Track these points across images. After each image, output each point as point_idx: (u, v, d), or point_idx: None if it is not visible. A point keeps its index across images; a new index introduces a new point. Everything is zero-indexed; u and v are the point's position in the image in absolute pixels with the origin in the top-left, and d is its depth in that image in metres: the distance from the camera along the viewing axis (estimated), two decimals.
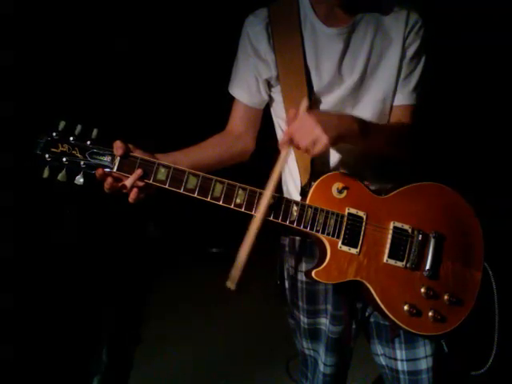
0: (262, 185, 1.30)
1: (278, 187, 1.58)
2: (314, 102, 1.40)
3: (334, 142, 1.22)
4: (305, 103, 1.27)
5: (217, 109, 1.92)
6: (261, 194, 1.28)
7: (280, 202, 1.30)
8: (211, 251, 4.44)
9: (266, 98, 1.51)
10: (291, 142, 1.24)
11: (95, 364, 2.65)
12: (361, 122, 1.28)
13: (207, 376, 2.78)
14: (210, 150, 1.51)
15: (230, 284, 1.28)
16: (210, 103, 3.20)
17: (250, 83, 1.48)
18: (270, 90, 1.50)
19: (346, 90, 1.41)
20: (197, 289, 3.73)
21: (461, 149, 3.38)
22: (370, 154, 1.45)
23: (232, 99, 1.55)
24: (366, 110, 1.43)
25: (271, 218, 1.29)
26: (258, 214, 1.26)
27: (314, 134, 1.19)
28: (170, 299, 3.59)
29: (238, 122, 1.55)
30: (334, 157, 1.45)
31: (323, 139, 1.19)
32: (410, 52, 1.42)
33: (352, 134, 1.26)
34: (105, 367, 2.67)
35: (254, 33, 1.43)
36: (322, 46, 1.39)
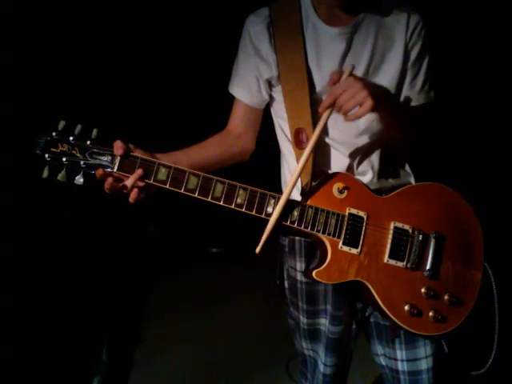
0: (262, 185, 1.30)
1: (278, 187, 1.58)
2: (315, 102, 1.40)
3: (377, 108, 1.23)
4: (350, 67, 1.26)
5: (217, 108, 1.92)
6: (262, 193, 1.28)
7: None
8: (211, 251, 4.44)
9: (266, 97, 1.51)
10: (334, 104, 1.25)
11: (95, 364, 2.65)
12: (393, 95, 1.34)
13: (207, 376, 2.78)
14: (211, 149, 1.51)
15: (258, 249, 1.26)
16: (210, 102, 3.20)
17: (250, 83, 1.48)
18: (270, 90, 1.49)
19: None
20: (197, 289, 3.73)
21: (461, 149, 3.38)
22: (373, 153, 1.45)
23: (232, 98, 1.54)
24: None
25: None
26: (298, 168, 1.28)
27: (360, 97, 1.21)
28: (170, 299, 3.59)
29: (238, 121, 1.55)
30: (335, 157, 1.45)
31: (369, 102, 1.20)
32: (414, 54, 1.42)
33: (387, 104, 1.29)
34: (105, 367, 2.67)
35: (255, 32, 1.42)
36: (324, 46, 1.39)
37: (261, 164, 2.49)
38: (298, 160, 1.43)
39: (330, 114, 1.27)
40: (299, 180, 1.42)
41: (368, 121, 1.43)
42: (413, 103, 1.48)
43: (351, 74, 1.26)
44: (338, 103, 1.24)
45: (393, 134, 1.45)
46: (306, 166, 1.40)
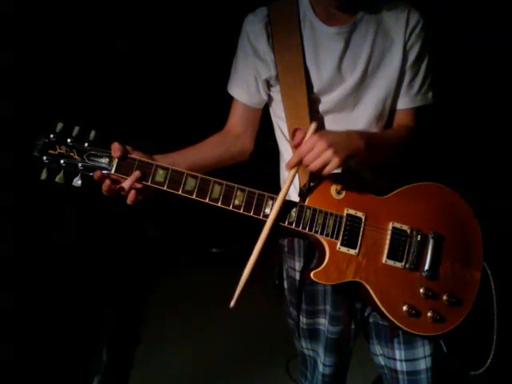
0: (262, 185, 1.30)
1: (277, 188, 1.58)
2: (313, 102, 1.40)
3: (345, 162, 1.23)
4: (314, 125, 1.26)
5: (215, 108, 1.92)
6: (259, 194, 1.28)
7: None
8: (211, 251, 4.44)
9: (265, 97, 1.51)
10: (300, 162, 1.25)
11: (95, 364, 2.65)
12: (365, 137, 1.29)
13: (207, 376, 2.77)
14: (209, 150, 1.51)
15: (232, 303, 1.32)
16: (208, 103, 3.20)
17: (249, 83, 1.48)
18: (269, 90, 1.49)
19: (347, 90, 1.41)
20: (197, 289, 3.73)
21: (461, 149, 3.37)
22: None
23: (231, 98, 1.54)
24: (366, 109, 1.44)
25: None
26: (262, 235, 1.26)
27: (325, 157, 1.20)
28: (170, 299, 3.59)
29: (236, 121, 1.55)
30: None
31: (334, 161, 1.20)
32: (413, 55, 1.42)
33: (359, 152, 1.27)
34: (105, 367, 2.67)
35: (254, 32, 1.42)
36: (322, 45, 1.39)
37: (261, 164, 2.49)
38: None
39: (297, 171, 1.28)
40: (297, 180, 1.42)
41: (366, 121, 1.43)
42: (410, 105, 1.47)
43: (317, 131, 1.25)
44: (304, 163, 1.24)
45: (382, 161, 1.44)
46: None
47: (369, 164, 1.39)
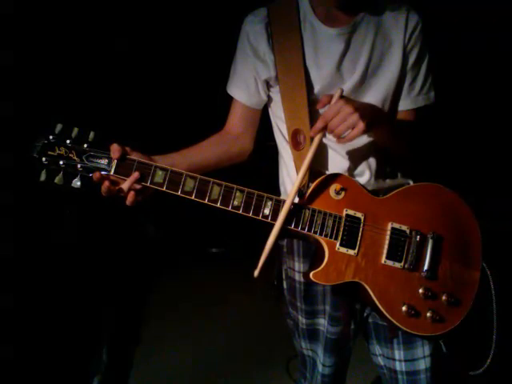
0: (262, 186, 1.30)
1: (277, 188, 1.58)
2: (313, 102, 1.40)
3: (369, 129, 1.24)
4: (339, 91, 1.27)
5: (215, 108, 1.92)
6: (259, 195, 1.28)
7: (278, 203, 1.29)
8: (211, 251, 4.44)
9: (264, 98, 1.50)
10: (325, 128, 1.26)
11: (95, 364, 2.65)
12: (385, 112, 1.35)
13: (207, 376, 2.77)
14: (209, 150, 1.51)
15: (256, 272, 1.27)
16: (208, 103, 3.20)
17: (248, 83, 1.48)
18: (268, 90, 1.49)
19: (346, 91, 1.39)
20: (197, 289, 3.73)
21: (461, 149, 3.38)
22: (370, 154, 1.45)
23: (230, 99, 1.54)
24: None
25: (269, 220, 1.29)
26: (288, 200, 1.27)
27: (351, 121, 1.22)
28: (170, 299, 3.59)
29: (236, 122, 1.55)
30: (332, 158, 1.45)
31: (360, 126, 1.22)
32: (413, 56, 1.43)
33: (381, 122, 1.30)
34: (105, 367, 2.67)
35: (254, 32, 1.42)
36: (322, 46, 1.39)
37: (261, 165, 2.49)
38: (295, 161, 1.44)
39: (322, 137, 1.29)
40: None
41: None
42: (412, 105, 1.48)
43: (342, 97, 1.26)
44: (330, 127, 1.25)
45: (386, 147, 1.46)
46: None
47: (383, 143, 1.41)
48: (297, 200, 1.34)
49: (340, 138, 1.26)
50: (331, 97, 1.27)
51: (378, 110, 1.37)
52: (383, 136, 1.39)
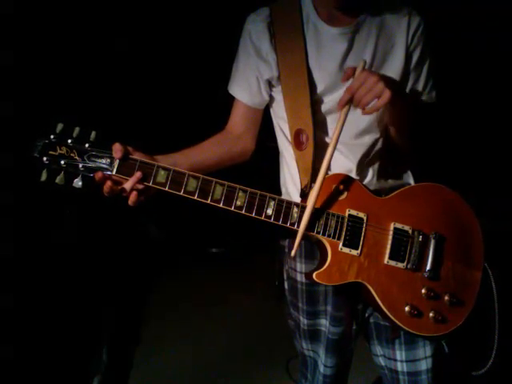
0: (264, 185, 1.30)
1: (277, 188, 1.58)
2: (315, 102, 1.39)
3: (394, 99, 1.23)
4: (362, 63, 1.26)
5: (216, 108, 1.92)
6: (261, 195, 1.28)
7: (280, 204, 1.29)
8: (211, 251, 4.44)
9: (266, 98, 1.50)
10: (352, 99, 1.25)
11: (95, 364, 2.65)
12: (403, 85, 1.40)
13: (207, 376, 2.77)
14: (210, 150, 1.50)
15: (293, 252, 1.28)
16: (209, 103, 3.20)
17: (250, 83, 1.47)
18: (270, 90, 1.49)
19: None
20: (197, 289, 3.73)
21: (461, 149, 3.38)
22: (373, 154, 1.45)
23: (232, 98, 1.54)
24: None
25: (271, 221, 1.29)
26: (320, 174, 1.27)
27: (377, 89, 1.21)
28: (170, 299, 3.59)
29: (238, 121, 1.55)
30: (335, 158, 1.44)
31: (386, 93, 1.21)
32: (415, 56, 1.43)
33: (401, 92, 1.30)
34: (105, 367, 2.67)
35: (256, 31, 1.42)
36: (325, 46, 1.39)
37: (263, 164, 2.49)
38: (297, 161, 1.43)
39: (349, 109, 1.27)
40: (298, 181, 1.42)
41: (368, 121, 1.43)
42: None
43: (364, 68, 1.26)
44: (356, 98, 1.24)
45: (400, 125, 1.45)
46: (306, 167, 1.40)
47: (397, 118, 1.41)
48: (299, 200, 1.34)
49: (366, 109, 1.25)
50: (355, 69, 1.26)
51: (399, 83, 1.38)
52: (398, 111, 1.38)
